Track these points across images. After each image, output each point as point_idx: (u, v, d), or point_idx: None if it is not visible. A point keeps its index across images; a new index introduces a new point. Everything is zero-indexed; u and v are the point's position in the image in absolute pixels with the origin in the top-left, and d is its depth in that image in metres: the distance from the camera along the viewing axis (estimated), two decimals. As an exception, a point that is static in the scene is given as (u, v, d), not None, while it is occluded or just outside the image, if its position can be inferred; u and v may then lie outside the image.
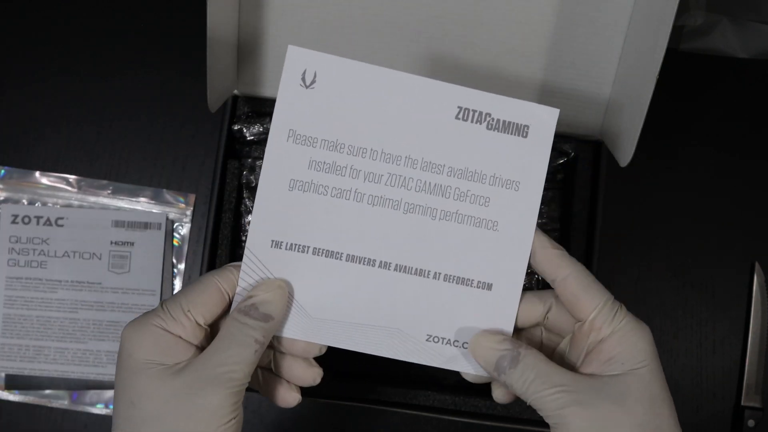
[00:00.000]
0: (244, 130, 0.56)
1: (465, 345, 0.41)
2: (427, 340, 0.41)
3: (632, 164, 0.50)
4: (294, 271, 0.41)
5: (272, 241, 0.40)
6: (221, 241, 0.56)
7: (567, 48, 0.55)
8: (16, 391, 0.62)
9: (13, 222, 0.63)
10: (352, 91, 0.40)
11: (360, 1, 0.55)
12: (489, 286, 0.41)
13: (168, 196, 0.64)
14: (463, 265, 0.41)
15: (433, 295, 0.41)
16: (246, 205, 0.57)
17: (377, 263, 0.41)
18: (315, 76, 0.40)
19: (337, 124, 0.40)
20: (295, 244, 0.41)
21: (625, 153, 0.51)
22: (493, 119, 0.40)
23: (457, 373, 0.57)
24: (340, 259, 0.41)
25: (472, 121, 0.40)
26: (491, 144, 0.41)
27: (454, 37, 0.56)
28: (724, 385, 0.64)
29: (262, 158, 0.57)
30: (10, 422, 0.62)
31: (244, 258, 0.40)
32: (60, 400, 0.62)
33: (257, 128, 0.56)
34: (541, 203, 0.57)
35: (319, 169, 0.40)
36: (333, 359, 0.58)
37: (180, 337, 0.38)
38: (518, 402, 0.55)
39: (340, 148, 0.40)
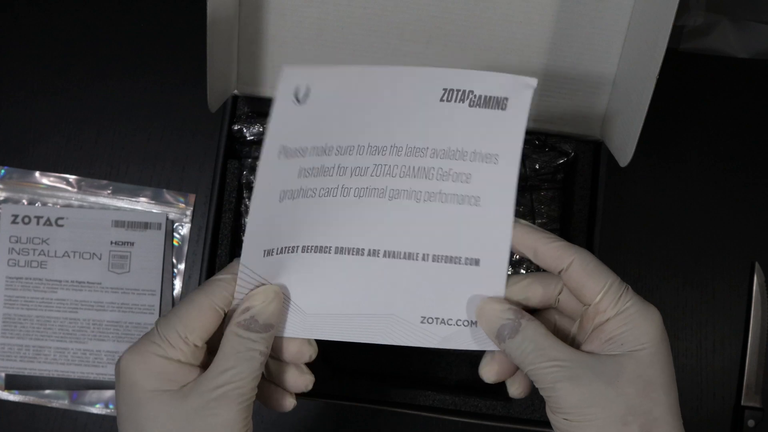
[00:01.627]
0: (244, 130, 0.56)
1: (459, 322, 0.41)
2: (421, 322, 0.41)
3: (632, 164, 0.50)
4: (286, 273, 0.41)
5: (264, 251, 0.40)
6: (221, 240, 0.56)
7: (567, 48, 0.55)
8: (16, 391, 0.62)
9: (13, 222, 0.63)
10: (343, 95, 0.40)
11: (360, 1, 0.55)
12: (476, 262, 0.41)
13: (168, 196, 0.64)
14: (449, 243, 0.41)
15: (423, 276, 0.41)
16: (246, 205, 0.57)
17: (366, 252, 0.41)
18: (308, 90, 0.40)
19: (327, 129, 0.40)
20: (285, 247, 0.41)
21: (625, 153, 0.51)
22: (475, 95, 0.40)
23: (457, 374, 0.57)
24: (329, 253, 0.41)
25: (455, 101, 0.40)
26: (473, 120, 0.41)
27: (454, 37, 0.56)
28: (724, 385, 0.64)
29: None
30: (10, 422, 0.62)
31: (240, 273, 0.40)
32: (60, 400, 0.62)
33: (257, 128, 0.56)
34: (541, 203, 0.58)
35: (308, 175, 0.40)
36: (333, 359, 0.58)
37: (180, 361, 0.38)
38: (518, 402, 0.55)
39: (329, 150, 0.40)
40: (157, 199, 0.64)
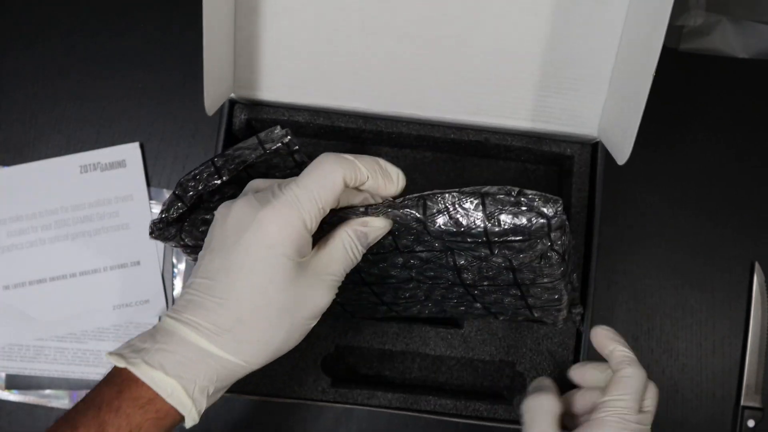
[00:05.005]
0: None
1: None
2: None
3: (631, 164, 0.50)
4: None
5: None
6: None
7: (563, 48, 0.55)
8: (16, 391, 0.62)
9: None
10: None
11: (356, 4, 0.55)
12: (138, 263, 0.62)
13: (168, 195, 0.64)
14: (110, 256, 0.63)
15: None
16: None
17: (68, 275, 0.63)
18: None
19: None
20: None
21: (622, 152, 0.50)
22: (101, 164, 0.63)
23: (457, 377, 0.57)
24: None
25: (90, 171, 0.63)
26: (108, 178, 0.63)
27: (451, 38, 0.55)
28: (724, 385, 0.64)
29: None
30: (10, 422, 0.62)
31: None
32: (60, 400, 0.62)
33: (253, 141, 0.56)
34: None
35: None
36: (334, 363, 0.58)
37: (310, 233, 0.42)
38: (519, 407, 0.55)
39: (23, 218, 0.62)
40: (157, 198, 0.64)
